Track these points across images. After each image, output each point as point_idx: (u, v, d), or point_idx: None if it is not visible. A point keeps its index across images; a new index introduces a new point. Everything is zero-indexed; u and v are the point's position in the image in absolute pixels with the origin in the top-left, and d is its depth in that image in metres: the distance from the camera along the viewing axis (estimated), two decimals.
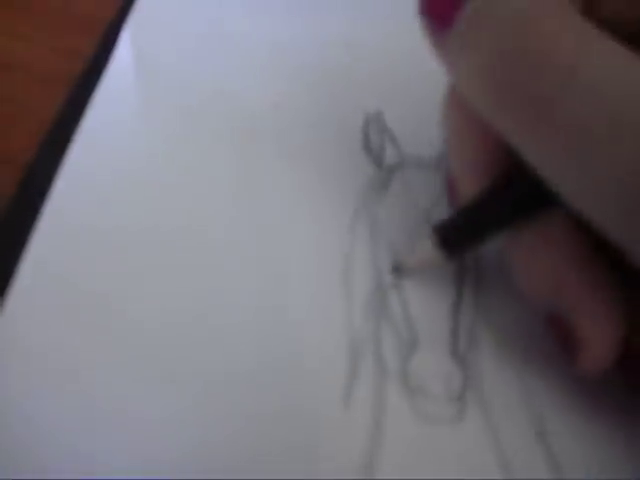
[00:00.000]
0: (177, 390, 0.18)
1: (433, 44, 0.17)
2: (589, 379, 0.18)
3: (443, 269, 0.21)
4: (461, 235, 0.19)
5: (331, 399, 0.18)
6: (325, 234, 0.21)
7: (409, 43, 0.26)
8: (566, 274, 0.17)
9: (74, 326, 0.19)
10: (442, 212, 0.22)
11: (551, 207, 0.17)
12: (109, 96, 0.24)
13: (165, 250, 0.20)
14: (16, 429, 0.17)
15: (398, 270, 0.20)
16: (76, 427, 0.17)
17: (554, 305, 0.18)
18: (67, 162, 0.22)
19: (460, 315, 0.20)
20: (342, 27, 0.27)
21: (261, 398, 0.18)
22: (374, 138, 0.24)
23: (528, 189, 0.17)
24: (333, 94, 0.25)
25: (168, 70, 0.25)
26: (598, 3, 0.16)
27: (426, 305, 0.20)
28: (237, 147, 0.23)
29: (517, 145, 0.15)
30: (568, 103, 0.13)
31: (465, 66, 0.16)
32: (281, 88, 0.25)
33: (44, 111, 0.23)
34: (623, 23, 0.15)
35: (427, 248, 0.19)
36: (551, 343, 0.19)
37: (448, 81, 0.18)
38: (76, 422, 0.17)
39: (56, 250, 0.20)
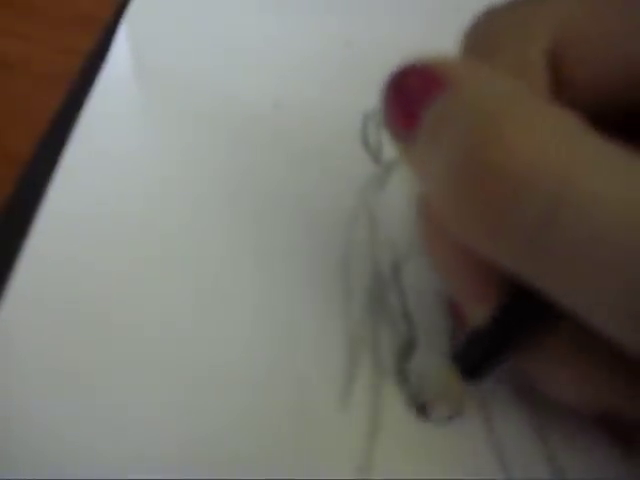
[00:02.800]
0: (174, 389, 0.18)
1: (400, 152, 0.15)
2: None
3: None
4: (477, 362, 0.17)
5: (329, 398, 0.18)
6: (323, 230, 0.21)
7: (407, 40, 0.26)
8: (609, 379, 0.15)
9: (71, 326, 0.19)
10: None
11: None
12: (106, 93, 0.24)
13: (163, 249, 0.20)
14: (15, 429, 0.17)
15: (424, 412, 0.18)
16: (75, 426, 0.17)
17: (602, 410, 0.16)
18: (64, 161, 0.22)
19: None
20: (342, 25, 0.27)
21: (258, 398, 0.18)
22: (372, 134, 0.24)
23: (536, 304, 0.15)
24: (332, 91, 0.25)
25: (165, 67, 0.25)
26: (565, 82, 0.15)
27: (425, 303, 0.20)
28: (236, 144, 0.23)
29: (499, 262, 0.14)
30: (555, 234, 0.12)
31: (431, 175, 0.14)
32: (280, 85, 0.25)
33: (43, 109, 0.24)
34: (591, 100, 0.15)
35: (452, 381, 0.17)
36: None
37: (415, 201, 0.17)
38: (75, 421, 0.17)
39: (53, 249, 0.20)
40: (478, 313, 0.16)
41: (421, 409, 0.18)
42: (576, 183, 0.12)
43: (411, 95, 0.14)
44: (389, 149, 0.23)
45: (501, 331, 0.16)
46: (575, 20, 0.15)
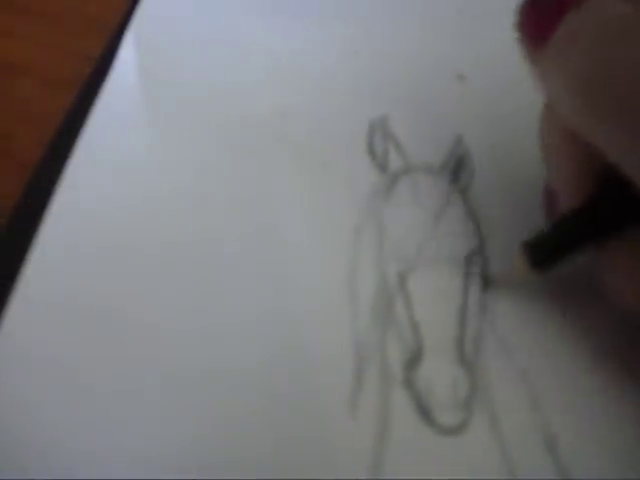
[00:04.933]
0: (179, 399, 0.18)
1: (529, 61, 0.17)
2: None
3: (450, 272, 0.21)
4: (554, 249, 0.19)
5: (337, 406, 0.18)
6: (330, 239, 0.21)
7: (414, 50, 0.27)
8: None
9: (74, 336, 0.19)
10: (447, 218, 0.22)
11: None
12: (112, 99, 0.24)
13: (167, 255, 0.20)
14: (16, 431, 0.17)
15: (487, 283, 0.20)
16: (76, 428, 0.17)
17: None
18: (69, 168, 0.22)
19: (466, 321, 0.20)
20: (350, 34, 0.27)
21: (266, 405, 0.18)
22: (378, 143, 0.24)
23: (626, 202, 0.16)
24: (339, 100, 0.25)
25: (172, 74, 0.25)
26: None
27: (432, 311, 0.20)
28: (242, 151, 0.23)
29: (616, 158, 0.15)
30: None
31: (560, 80, 0.16)
32: (288, 93, 0.25)
33: (52, 112, 0.24)
34: None
35: (519, 265, 0.19)
36: (561, 346, 0.19)
37: (544, 97, 0.18)
38: (75, 423, 0.17)
39: (58, 253, 0.20)
40: (573, 203, 0.18)
41: (429, 417, 0.18)
42: None
43: (548, 8, 0.16)
44: (395, 158, 0.23)
45: (584, 220, 0.18)
46: None
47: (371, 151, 0.24)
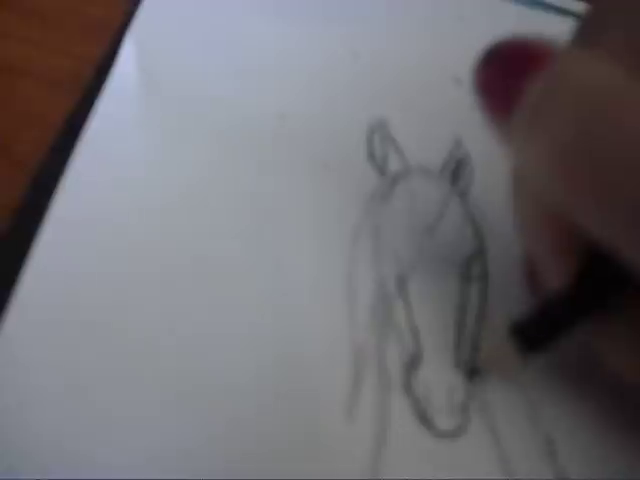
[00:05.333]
0: (178, 401, 0.18)
1: (492, 123, 0.15)
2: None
3: (449, 276, 0.21)
4: (544, 333, 0.17)
5: (335, 410, 0.18)
6: (329, 241, 0.21)
7: (414, 53, 0.27)
8: None
9: (74, 340, 0.19)
10: (446, 222, 0.22)
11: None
12: (112, 102, 0.24)
13: (167, 258, 0.20)
14: (15, 434, 0.17)
15: (474, 374, 0.19)
16: (76, 431, 0.17)
17: None
18: (69, 171, 0.22)
19: (464, 327, 0.20)
20: (349, 36, 0.27)
21: (264, 409, 0.18)
22: (378, 147, 0.24)
23: (613, 276, 0.15)
24: (338, 103, 0.25)
25: (171, 77, 0.25)
26: None
27: (430, 317, 0.20)
28: (242, 153, 0.23)
29: (599, 233, 0.14)
30: None
31: (534, 151, 0.14)
32: (287, 96, 0.25)
33: (54, 115, 0.24)
34: None
35: (507, 352, 0.18)
36: (559, 351, 0.19)
37: (512, 166, 0.17)
38: (76, 425, 0.17)
39: (58, 256, 0.20)
40: (555, 281, 0.16)
41: (427, 421, 0.18)
42: None
43: (511, 70, 0.14)
44: (395, 161, 0.23)
45: (574, 300, 0.16)
46: None
47: (370, 154, 0.24)
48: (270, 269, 0.20)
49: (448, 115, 0.25)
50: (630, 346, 0.16)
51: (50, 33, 0.27)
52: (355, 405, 0.18)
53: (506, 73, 0.14)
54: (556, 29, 0.15)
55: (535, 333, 0.17)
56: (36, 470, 0.17)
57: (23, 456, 0.17)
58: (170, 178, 0.22)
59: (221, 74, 0.25)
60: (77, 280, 0.20)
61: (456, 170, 0.24)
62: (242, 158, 0.23)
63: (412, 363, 0.19)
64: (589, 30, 0.16)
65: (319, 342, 0.19)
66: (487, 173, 0.23)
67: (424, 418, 0.18)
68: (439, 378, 0.19)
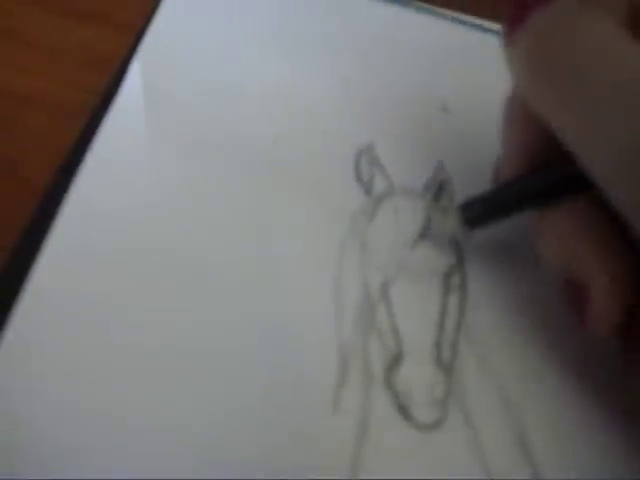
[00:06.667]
0: (173, 395, 0.19)
1: (505, 45, 0.20)
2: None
3: (430, 286, 0.22)
4: (486, 211, 0.22)
5: (321, 404, 0.19)
6: (318, 254, 0.23)
7: (403, 82, 0.28)
8: (582, 245, 0.19)
9: (74, 341, 0.20)
10: (429, 236, 0.23)
11: (579, 192, 0.19)
12: (116, 126, 0.25)
13: (167, 275, 0.22)
14: (18, 437, 0.18)
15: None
16: (76, 434, 0.18)
17: (570, 271, 0.19)
18: (73, 191, 0.23)
19: (444, 328, 0.21)
20: (338, 65, 0.29)
21: (255, 402, 0.19)
22: (365, 169, 0.25)
23: (557, 176, 0.20)
24: (328, 126, 0.26)
25: (174, 104, 0.26)
26: None
27: (412, 319, 0.21)
28: (238, 173, 0.24)
29: (557, 126, 0.18)
30: (598, 82, 0.16)
31: (524, 56, 0.19)
32: (281, 119, 0.26)
33: (62, 141, 0.25)
34: None
35: (451, 220, 0.22)
36: (533, 353, 0.21)
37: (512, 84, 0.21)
38: (76, 426, 0.18)
39: (59, 274, 0.21)
40: (508, 174, 0.21)
41: (407, 414, 0.19)
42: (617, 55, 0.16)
43: (524, 5, 0.19)
44: (380, 182, 0.25)
45: (517, 187, 0.21)
46: None
47: (358, 175, 0.25)
48: (265, 276, 0.22)
49: (433, 141, 0.26)
50: (559, 240, 0.20)
51: (60, 66, 0.29)
52: (340, 398, 0.19)
53: (522, 6, 0.19)
54: None
55: (477, 211, 0.22)
56: (36, 470, 0.17)
57: (23, 456, 0.18)
58: (171, 198, 0.23)
59: (219, 101, 0.26)
60: (79, 293, 0.21)
61: (438, 191, 0.25)
62: (237, 177, 0.24)
63: (394, 361, 0.20)
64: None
65: (308, 341, 0.20)
66: (467, 194, 0.24)
67: (404, 411, 0.19)
68: (419, 375, 0.20)
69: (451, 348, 0.21)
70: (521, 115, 0.20)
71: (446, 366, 0.20)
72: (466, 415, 0.19)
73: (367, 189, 0.25)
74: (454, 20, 0.31)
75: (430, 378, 0.20)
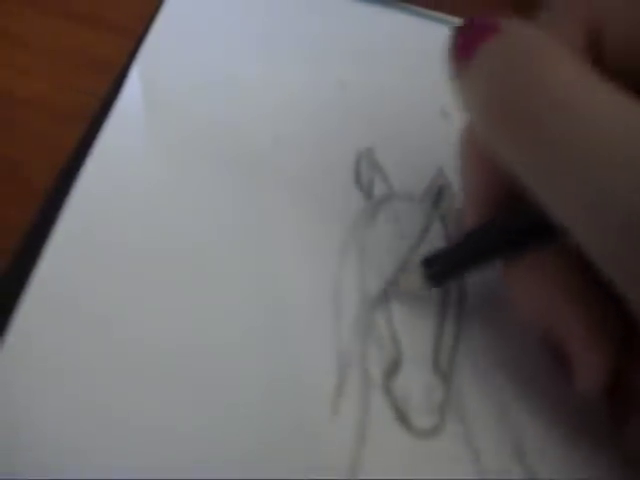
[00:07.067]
0: (175, 398, 0.19)
1: (454, 79, 0.18)
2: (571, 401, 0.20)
3: (429, 293, 0.22)
4: (448, 266, 0.20)
5: (320, 407, 0.19)
6: (318, 259, 0.23)
7: (403, 86, 0.28)
8: (560, 304, 0.18)
9: (74, 341, 0.20)
10: (427, 243, 0.24)
11: (547, 241, 0.18)
12: (116, 128, 0.25)
13: (167, 276, 0.22)
14: (18, 437, 0.18)
15: (387, 293, 0.22)
16: (76, 434, 0.18)
17: (549, 331, 0.19)
18: (74, 194, 0.23)
19: (443, 335, 0.21)
20: (336, 68, 0.29)
21: (256, 407, 0.19)
22: (365, 173, 0.25)
23: (521, 224, 0.18)
24: (328, 130, 0.27)
25: (174, 107, 0.26)
26: (605, 55, 0.17)
27: (411, 325, 0.21)
28: (238, 179, 0.25)
29: (517, 170, 0.16)
30: (558, 130, 0.15)
31: (476, 98, 0.17)
32: (281, 124, 0.26)
33: (64, 144, 0.25)
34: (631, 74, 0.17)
35: (415, 277, 0.21)
36: (529, 361, 0.20)
37: (466, 118, 0.19)
38: (76, 427, 0.18)
39: (60, 276, 0.21)
40: (471, 223, 0.20)
41: (405, 420, 0.19)
42: (581, 101, 0.15)
43: (471, 35, 0.17)
44: (380, 187, 0.25)
45: (475, 241, 0.19)
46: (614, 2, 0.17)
47: (358, 180, 0.25)
48: (265, 281, 0.22)
49: (433, 145, 0.26)
50: (536, 283, 0.18)
51: (60, 69, 0.29)
52: (338, 404, 0.19)
53: (468, 38, 0.18)
54: None
55: (440, 266, 0.20)
56: (36, 470, 0.17)
57: (23, 456, 0.18)
58: (171, 200, 0.24)
59: (219, 104, 0.27)
60: (80, 295, 0.21)
61: (438, 196, 0.25)
62: (239, 180, 0.24)
63: (392, 367, 0.20)
64: (552, 7, 0.18)
65: (308, 346, 0.20)
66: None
67: (402, 417, 0.19)
68: (417, 381, 0.20)
69: (449, 354, 0.21)
70: (477, 153, 0.19)
71: (444, 372, 0.20)
72: (464, 422, 0.19)
73: (367, 193, 0.25)
74: (455, 23, 0.31)
75: (428, 384, 0.20)
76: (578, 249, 0.15)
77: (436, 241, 0.24)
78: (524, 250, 0.18)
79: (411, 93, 0.28)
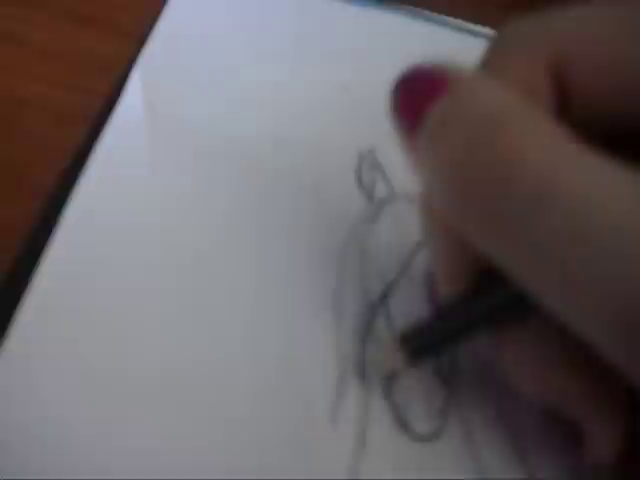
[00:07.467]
0: (174, 399, 0.19)
1: (404, 146, 0.16)
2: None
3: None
4: (430, 343, 0.18)
5: (320, 413, 0.19)
6: (319, 260, 0.23)
7: None
8: (558, 378, 0.17)
9: (74, 342, 0.20)
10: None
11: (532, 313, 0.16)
12: (118, 131, 0.25)
13: (169, 281, 0.22)
14: (18, 437, 0.18)
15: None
16: (76, 434, 0.18)
17: (550, 403, 0.18)
18: (75, 196, 0.23)
19: None
20: (339, 71, 0.29)
21: (255, 413, 0.19)
22: (366, 174, 0.25)
23: (497, 297, 0.16)
24: (329, 132, 0.26)
25: (174, 110, 0.26)
26: (571, 103, 0.16)
27: None
28: (240, 181, 0.25)
29: (488, 253, 0.14)
30: (539, 229, 0.13)
31: (432, 171, 0.15)
32: (282, 127, 0.26)
33: (66, 145, 0.25)
34: (597, 119, 0.16)
35: (395, 358, 0.18)
36: None
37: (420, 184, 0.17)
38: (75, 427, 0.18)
39: (61, 279, 0.21)
40: (449, 295, 0.17)
41: (405, 425, 0.19)
42: (559, 184, 0.13)
43: (417, 95, 0.15)
44: (381, 188, 0.25)
45: (459, 314, 0.17)
46: (579, 37, 0.16)
47: (359, 181, 0.25)
48: (265, 282, 0.22)
49: None
50: (529, 357, 0.17)
51: (62, 70, 0.29)
52: (338, 408, 0.19)
53: (413, 98, 0.15)
54: None
55: (419, 342, 0.18)
56: (36, 471, 0.17)
57: (23, 457, 0.18)
58: (172, 202, 0.23)
59: (220, 107, 0.27)
60: (81, 298, 0.21)
61: None
62: (240, 182, 0.24)
63: (392, 371, 0.20)
64: (494, 55, 0.17)
65: (308, 350, 0.20)
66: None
67: (402, 422, 0.19)
68: (418, 385, 0.20)
69: (450, 359, 0.21)
70: (440, 223, 0.17)
71: (445, 377, 0.20)
72: (464, 427, 0.19)
73: (368, 194, 0.25)
74: (454, 26, 0.31)
75: (429, 389, 0.20)
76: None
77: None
78: (508, 322, 0.17)
79: None
